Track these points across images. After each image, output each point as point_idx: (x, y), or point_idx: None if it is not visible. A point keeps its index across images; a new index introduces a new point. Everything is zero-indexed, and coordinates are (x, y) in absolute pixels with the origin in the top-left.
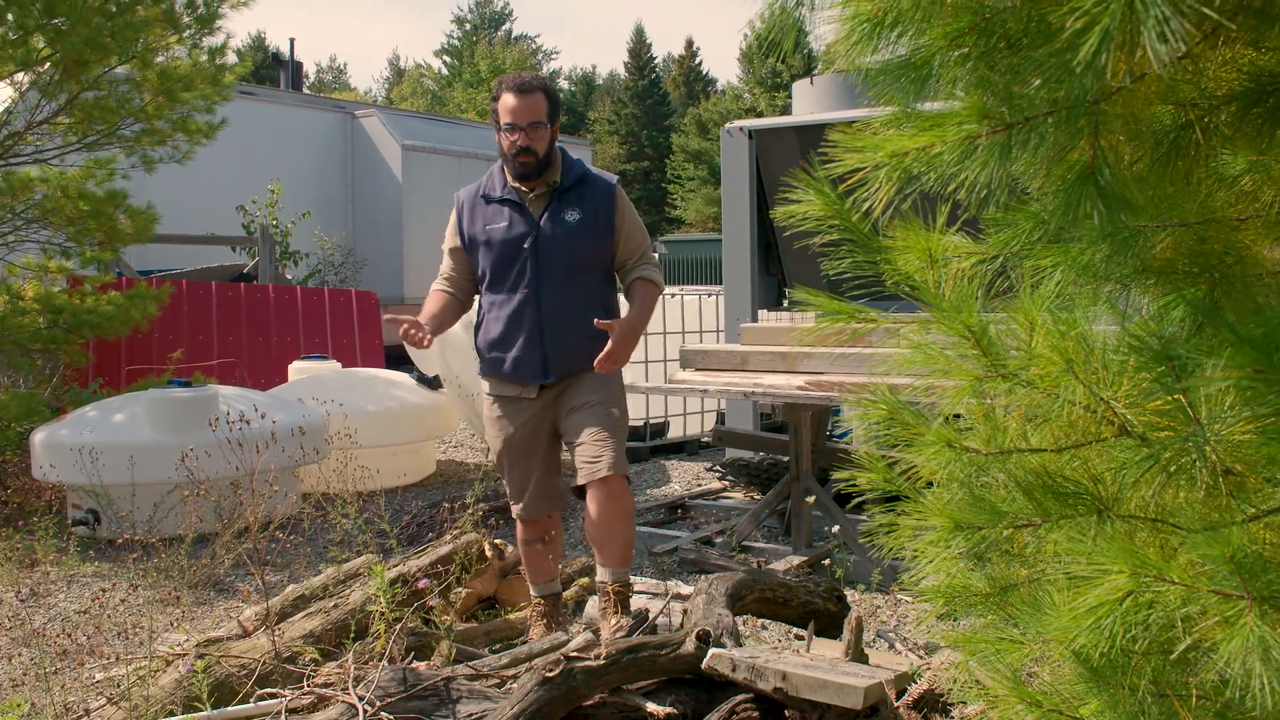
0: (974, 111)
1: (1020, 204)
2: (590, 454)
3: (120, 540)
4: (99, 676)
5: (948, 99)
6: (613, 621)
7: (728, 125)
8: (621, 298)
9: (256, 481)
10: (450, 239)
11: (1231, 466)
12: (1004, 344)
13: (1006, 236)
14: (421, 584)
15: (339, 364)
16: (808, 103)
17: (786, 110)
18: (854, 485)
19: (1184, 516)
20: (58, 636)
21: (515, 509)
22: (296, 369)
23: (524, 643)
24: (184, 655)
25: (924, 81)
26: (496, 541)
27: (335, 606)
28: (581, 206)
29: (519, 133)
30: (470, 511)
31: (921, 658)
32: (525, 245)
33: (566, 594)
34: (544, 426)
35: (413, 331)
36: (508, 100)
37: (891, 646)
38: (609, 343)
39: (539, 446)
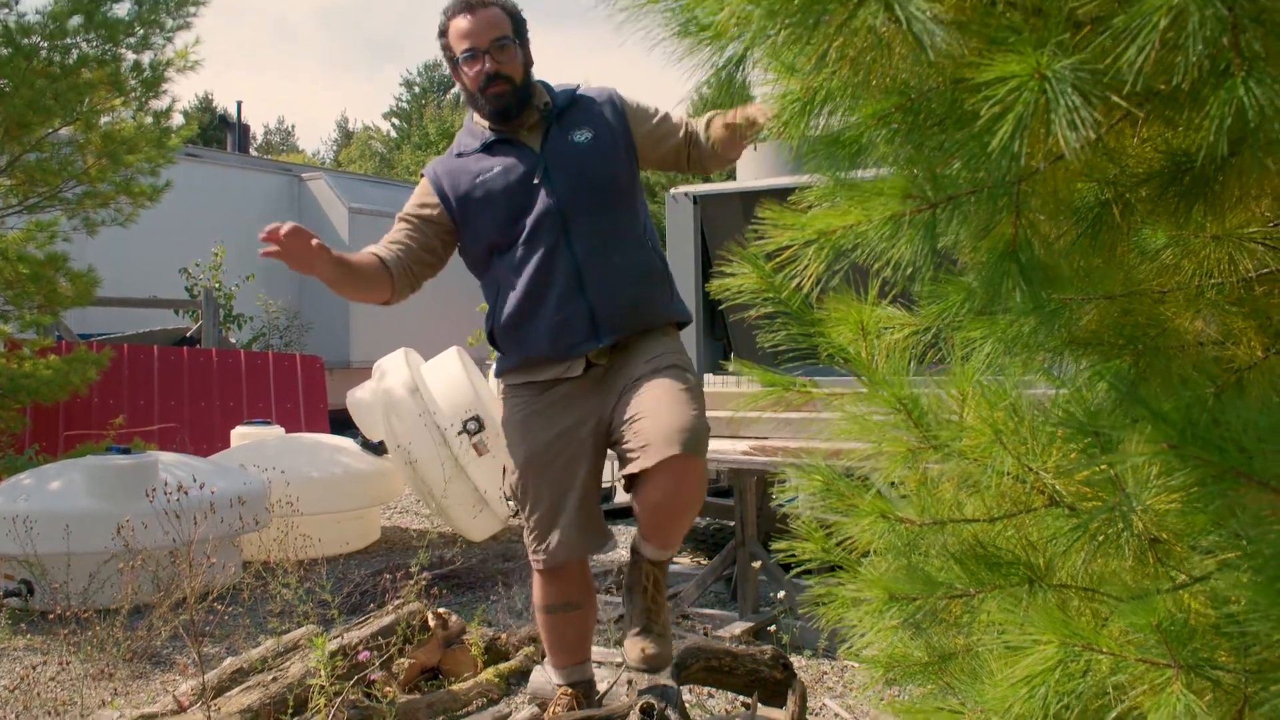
0: (899, 190)
1: (951, 275)
2: (658, 428)
3: (54, 614)
4: None
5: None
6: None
7: (673, 190)
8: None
9: (194, 552)
10: (413, 202)
11: (1158, 535)
12: (938, 414)
13: (939, 309)
14: (363, 656)
15: (282, 429)
16: (752, 168)
17: (732, 174)
18: (792, 556)
19: (1114, 585)
20: None
21: (538, 555)
22: (239, 434)
23: (467, 715)
24: None
25: (855, 157)
26: (440, 610)
27: (274, 680)
28: (588, 124)
29: (482, 57)
30: (414, 580)
31: None
32: (535, 180)
33: (510, 664)
34: (588, 424)
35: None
36: (458, 24)
37: (836, 715)
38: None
39: (580, 457)
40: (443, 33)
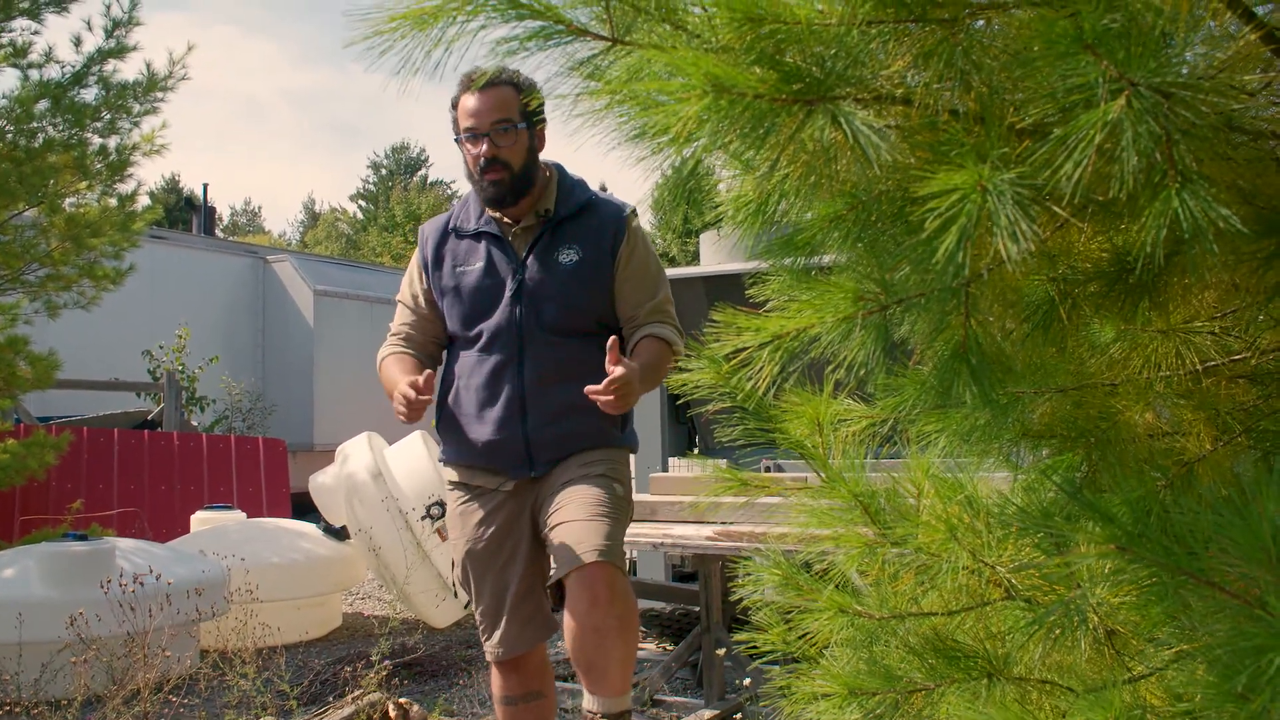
0: (849, 295)
1: (905, 367)
2: (573, 536)
3: (4, 707)
4: None
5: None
6: None
7: None
8: None
9: (149, 643)
10: (409, 284)
11: (1114, 628)
12: (895, 504)
13: (894, 401)
14: None
15: (244, 514)
16: (715, 253)
17: (696, 258)
18: (754, 647)
19: (1073, 677)
20: None
21: (488, 646)
22: (199, 519)
23: None
24: None
25: (810, 257)
26: (401, 700)
27: None
28: (583, 243)
29: (483, 140)
30: (375, 669)
31: None
32: (505, 292)
33: None
34: (524, 522)
35: (410, 405)
36: (466, 101)
37: None
38: (612, 373)
39: (518, 550)
40: (454, 105)
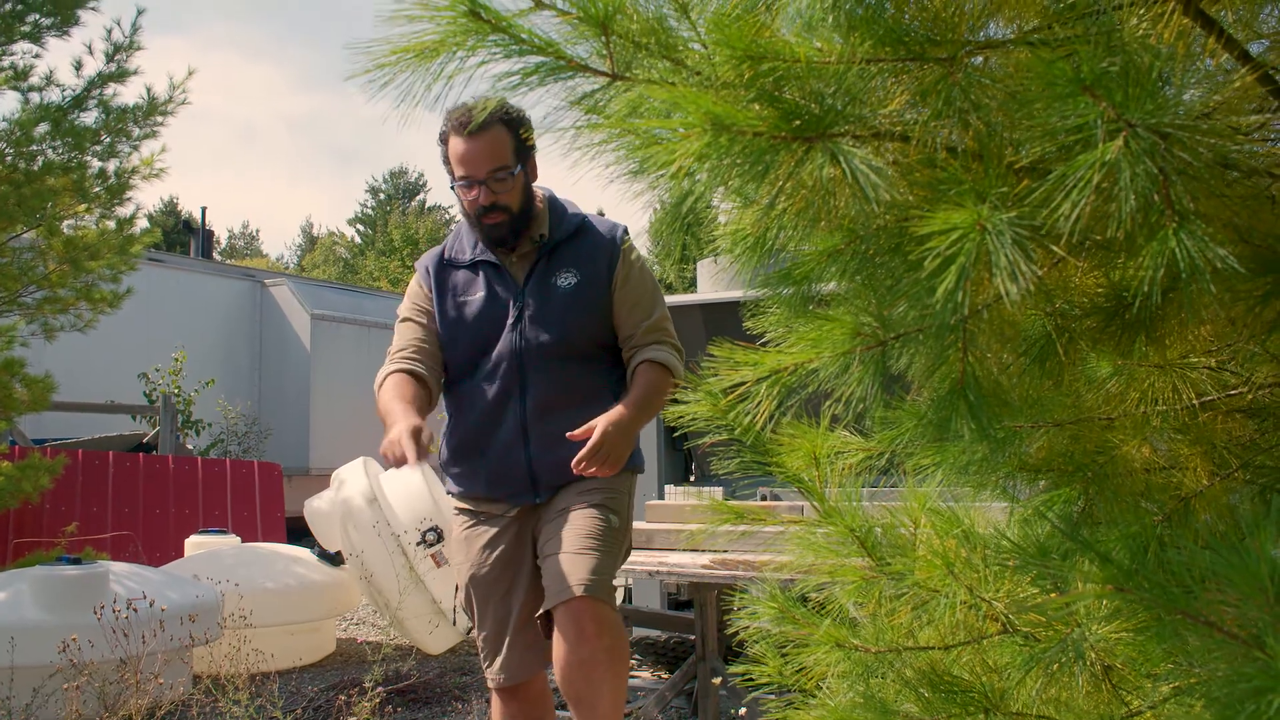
0: (847, 330)
1: (903, 399)
2: (562, 568)
3: None
4: None
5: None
6: None
7: None
8: None
9: (142, 669)
10: (411, 300)
11: (1112, 663)
12: (891, 537)
13: (892, 435)
14: None
15: (238, 538)
16: (712, 281)
17: (694, 285)
18: (750, 680)
19: (1070, 712)
20: None
21: (489, 672)
22: (194, 543)
23: None
24: None
25: (807, 288)
26: None
27: None
28: (580, 266)
29: (478, 188)
30: (368, 696)
31: None
32: (507, 320)
33: None
34: (527, 547)
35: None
36: (456, 145)
37: None
38: (591, 436)
39: (521, 576)
40: (443, 140)
